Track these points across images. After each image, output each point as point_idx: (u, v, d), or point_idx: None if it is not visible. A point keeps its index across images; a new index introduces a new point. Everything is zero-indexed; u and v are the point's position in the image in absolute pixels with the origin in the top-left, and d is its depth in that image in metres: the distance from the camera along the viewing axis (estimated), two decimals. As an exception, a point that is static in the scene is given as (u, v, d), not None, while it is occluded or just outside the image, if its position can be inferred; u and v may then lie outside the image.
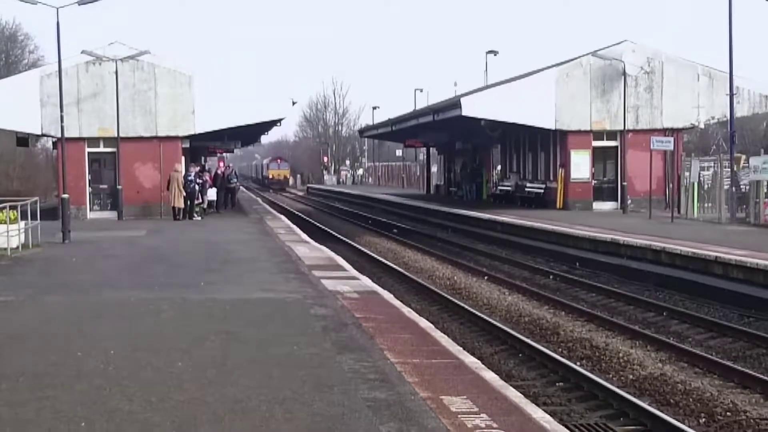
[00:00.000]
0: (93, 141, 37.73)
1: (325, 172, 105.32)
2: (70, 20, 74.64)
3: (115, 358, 10.64)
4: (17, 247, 24.09)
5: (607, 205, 38.80)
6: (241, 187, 56.07)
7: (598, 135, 38.97)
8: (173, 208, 35.90)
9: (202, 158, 54.13)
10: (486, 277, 24.13)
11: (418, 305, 18.89)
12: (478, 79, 70.15)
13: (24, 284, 17.68)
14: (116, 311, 14.18)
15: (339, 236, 35.48)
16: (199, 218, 36.97)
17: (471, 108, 38.25)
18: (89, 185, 37.84)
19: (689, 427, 10.67)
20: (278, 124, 44.00)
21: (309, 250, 24.23)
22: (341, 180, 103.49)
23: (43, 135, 39.69)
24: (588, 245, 27.20)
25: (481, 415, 8.35)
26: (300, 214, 49.09)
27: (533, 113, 38.17)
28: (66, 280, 18.20)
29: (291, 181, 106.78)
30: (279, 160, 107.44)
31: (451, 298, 20.11)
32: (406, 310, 14.52)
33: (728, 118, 33.36)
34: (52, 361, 10.54)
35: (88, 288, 16.91)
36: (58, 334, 12.31)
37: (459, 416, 8.26)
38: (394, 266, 26.16)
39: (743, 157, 33.06)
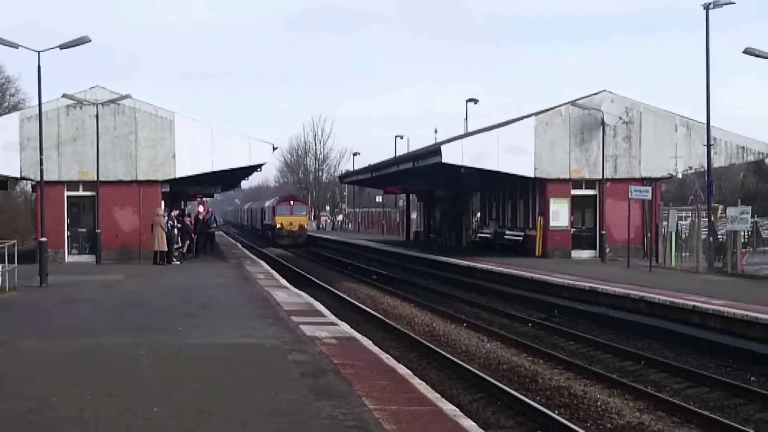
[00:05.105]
0: (72, 184, 37.64)
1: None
2: (51, 64, 74.73)
3: (91, 404, 10.54)
4: (-6, 291, 23.93)
5: (585, 254, 38.92)
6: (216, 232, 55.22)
7: (577, 183, 39.22)
8: (155, 252, 35.75)
9: (182, 203, 53.98)
10: (465, 324, 24.11)
11: (396, 352, 18.81)
12: (458, 126, 70.71)
13: None
14: (93, 356, 14.07)
15: (318, 282, 35.39)
16: (178, 262, 36.83)
17: (451, 155, 38.45)
18: (68, 229, 37.70)
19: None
20: (259, 169, 44.00)
21: (288, 296, 24.17)
22: (321, 226, 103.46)
23: (22, 178, 39.51)
24: (567, 293, 27.27)
25: (459, 463, 8.32)
26: (279, 260, 48.95)
27: (513, 161, 38.42)
28: (42, 325, 18.05)
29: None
30: (292, 202, 72.22)
31: (429, 345, 20.08)
32: (385, 357, 14.48)
33: (706, 168, 33.67)
34: (27, 407, 10.43)
35: (64, 333, 16.79)
36: (34, 380, 12.18)
37: (437, 464, 8.23)
38: (373, 312, 26.12)
39: (720, 207, 33.32)
